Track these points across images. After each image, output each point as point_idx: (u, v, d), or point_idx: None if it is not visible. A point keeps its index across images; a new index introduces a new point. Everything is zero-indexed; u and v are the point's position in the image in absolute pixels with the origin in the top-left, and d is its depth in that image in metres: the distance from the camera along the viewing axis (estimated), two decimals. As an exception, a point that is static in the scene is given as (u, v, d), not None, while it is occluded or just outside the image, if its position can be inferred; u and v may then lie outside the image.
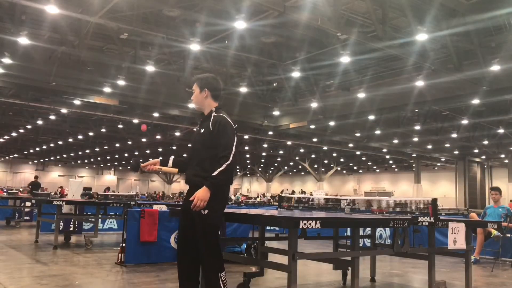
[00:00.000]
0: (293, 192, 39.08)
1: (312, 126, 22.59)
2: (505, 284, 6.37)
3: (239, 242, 7.44)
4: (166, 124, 24.40)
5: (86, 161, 53.22)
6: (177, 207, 8.59)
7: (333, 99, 18.59)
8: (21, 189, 28.48)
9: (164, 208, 7.62)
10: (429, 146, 29.72)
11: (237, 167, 51.34)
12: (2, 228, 12.08)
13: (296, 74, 16.39)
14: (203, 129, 3.75)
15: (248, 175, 62.28)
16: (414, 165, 37.19)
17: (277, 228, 4.79)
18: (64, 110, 21.75)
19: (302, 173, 53.61)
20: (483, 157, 34.36)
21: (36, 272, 5.81)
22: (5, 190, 24.08)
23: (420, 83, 15.18)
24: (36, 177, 22.65)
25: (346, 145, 29.98)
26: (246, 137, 28.80)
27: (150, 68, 15.31)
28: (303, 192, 41.68)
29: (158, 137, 28.53)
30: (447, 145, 29.07)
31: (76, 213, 10.25)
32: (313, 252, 4.64)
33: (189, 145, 3.90)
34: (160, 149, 37.17)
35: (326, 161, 42.98)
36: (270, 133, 24.31)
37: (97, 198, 14.46)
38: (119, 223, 11.74)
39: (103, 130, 26.97)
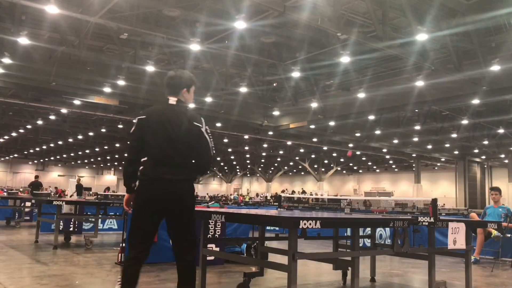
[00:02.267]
0: (293, 192, 39.10)
1: (312, 126, 22.59)
2: (505, 284, 6.37)
3: (239, 242, 7.44)
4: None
5: (86, 161, 53.25)
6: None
7: (333, 99, 18.59)
8: (21, 189, 28.49)
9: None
10: (429, 146, 29.73)
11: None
12: (2, 228, 12.08)
13: (296, 74, 16.39)
14: None
15: (248, 175, 62.30)
16: (414, 165, 37.19)
17: (277, 228, 4.79)
18: (64, 110, 21.75)
19: (302, 173, 53.63)
20: (483, 157, 34.37)
21: (36, 272, 5.81)
22: (5, 190, 24.07)
23: (420, 83, 15.18)
24: (36, 177, 22.65)
25: (346, 145, 29.98)
26: (246, 137, 28.82)
27: (150, 68, 15.31)
28: (303, 192, 41.70)
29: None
30: (447, 145, 29.08)
31: (76, 213, 10.25)
32: (313, 252, 4.64)
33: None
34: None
35: (326, 161, 42.99)
36: (270, 133, 24.31)
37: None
38: (119, 223, 11.74)
39: (103, 130, 26.97)
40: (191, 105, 18.75)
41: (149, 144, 3.47)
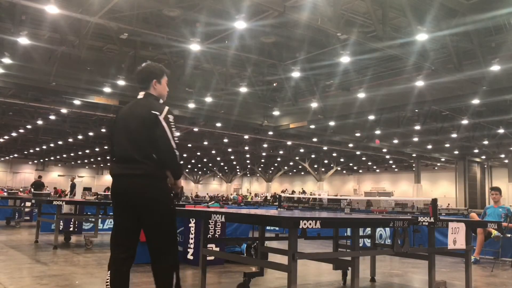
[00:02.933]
0: (293, 192, 39.11)
1: (312, 126, 22.59)
2: (505, 284, 6.37)
3: (239, 242, 7.44)
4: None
5: (86, 161, 53.27)
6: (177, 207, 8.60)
7: (333, 99, 18.60)
8: (21, 189, 28.47)
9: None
10: (429, 146, 29.74)
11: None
12: (2, 228, 12.08)
13: (296, 74, 16.39)
14: None
15: (248, 175, 62.32)
16: (414, 165, 37.20)
17: (277, 228, 4.79)
18: (64, 110, 21.76)
19: (302, 173, 53.64)
20: (483, 157, 34.38)
21: (36, 272, 5.81)
22: (5, 190, 24.07)
23: (420, 83, 15.19)
24: (39, 177, 22.62)
25: (346, 145, 29.98)
26: (246, 137, 28.82)
27: (150, 68, 15.29)
28: (303, 192, 41.71)
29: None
30: (447, 145, 29.08)
31: (76, 213, 10.25)
32: (313, 252, 4.64)
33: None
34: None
35: (326, 161, 43.00)
36: (270, 133, 24.32)
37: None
38: (119, 223, 11.72)
39: (103, 130, 26.98)
40: (191, 105, 18.85)
41: (113, 142, 3.46)
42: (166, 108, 3.34)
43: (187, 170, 58.48)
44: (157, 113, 3.27)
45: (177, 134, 3.34)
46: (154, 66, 3.58)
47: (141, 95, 3.49)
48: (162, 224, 3.30)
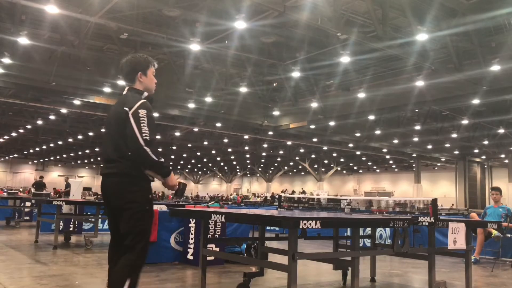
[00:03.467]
0: (293, 192, 39.12)
1: (312, 126, 22.59)
2: (505, 284, 6.37)
3: (239, 242, 7.44)
4: (166, 124, 24.42)
5: (86, 161, 53.27)
6: (177, 207, 8.60)
7: (333, 99, 18.60)
8: (21, 189, 28.44)
9: (164, 208, 7.63)
10: (429, 146, 29.74)
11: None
12: (2, 228, 12.08)
13: (296, 74, 16.40)
14: None
15: (248, 175, 62.32)
16: (414, 165, 37.20)
17: (277, 228, 4.79)
18: (64, 110, 21.75)
19: (302, 173, 53.64)
20: (483, 157, 34.37)
21: (36, 272, 5.80)
22: (5, 190, 24.06)
23: (420, 83, 15.18)
24: (41, 177, 22.60)
25: (346, 145, 29.99)
26: (246, 137, 28.82)
27: (150, 68, 15.30)
28: (303, 192, 41.72)
29: (158, 137, 28.54)
30: (447, 145, 29.08)
31: (76, 213, 10.24)
32: (313, 252, 4.64)
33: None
34: (160, 149, 37.18)
35: (326, 161, 43.00)
36: (270, 133, 24.32)
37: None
38: (119, 223, 11.72)
39: (103, 130, 26.94)
40: (191, 105, 18.85)
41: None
42: (140, 102, 3.15)
43: (187, 170, 58.51)
44: (127, 109, 3.10)
45: (147, 129, 3.06)
46: (138, 57, 3.38)
47: (125, 90, 3.34)
48: (133, 225, 3.10)
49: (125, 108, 3.11)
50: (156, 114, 21.15)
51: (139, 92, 3.28)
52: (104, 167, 3.22)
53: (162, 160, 3.17)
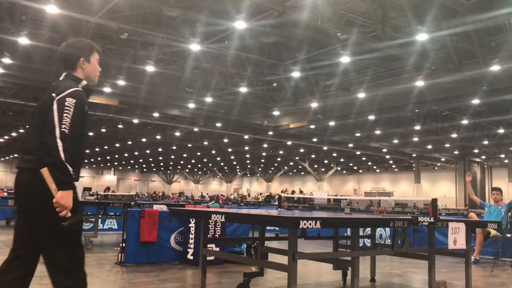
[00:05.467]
0: (293, 192, 39.13)
1: (312, 126, 22.58)
2: (505, 284, 6.37)
3: (239, 242, 7.45)
4: (166, 124, 24.42)
5: (86, 161, 53.21)
6: (177, 207, 8.60)
7: (333, 99, 18.59)
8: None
9: (164, 208, 7.63)
10: (429, 146, 29.73)
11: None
12: (2, 228, 12.08)
13: (296, 74, 16.39)
14: None
15: (248, 175, 62.30)
16: (414, 165, 37.19)
17: (277, 228, 4.79)
18: (64, 110, 21.69)
19: (302, 173, 53.63)
20: (483, 157, 34.36)
21: (36, 272, 5.78)
22: (5, 190, 24.06)
23: (420, 83, 15.18)
24: None
25: (346, 145, 29.99)
26: (246, 137, 28.81)
27: (150, 68, 15.31)
28: (301, 192, 41.72)
29: (158, 137, 28.55)
30: (447, 145, 29.07)
31: (76, 213, 10.23)
32: (313, 252, 4.64)
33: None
34: (160, 149, 37.20)
35: (326, 161, 43.00)
36: (270, 133, 24.31)
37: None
38: (119, 223, 11.74)
39: (103, 130, 26.98)
40: (191, 105, 18.85)
41: None
42: (72, 89, 2.70)
43: (187, 170, 58.47)
44: (54, 95, 2.66)
45: (69, 121, 2.59)
46: (82, 41, 2.99)
47: (61, 76, 2.91)
48: (52, 234, 2.65)
49: (52, 95, 2.67)
50: (156, 114, 21.18)
51: (76, 80, 2.87)
52: (20, 160, 2.78)
53: (70, 168, 2.57)
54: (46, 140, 2.53)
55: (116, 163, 55.07)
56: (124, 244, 6.73)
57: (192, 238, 6.93)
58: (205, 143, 31.21)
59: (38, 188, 2.59)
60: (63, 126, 2.55)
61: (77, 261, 2.78)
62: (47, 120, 2.58)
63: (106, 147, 36.44)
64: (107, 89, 16.67)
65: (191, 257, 6.88)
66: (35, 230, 2.71)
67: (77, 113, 2.64)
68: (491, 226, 6.04)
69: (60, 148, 2.52)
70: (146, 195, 39.38)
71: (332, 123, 22.07)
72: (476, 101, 16.82)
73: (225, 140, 31.09)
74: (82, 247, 2.86)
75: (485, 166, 36.53)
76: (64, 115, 2.58)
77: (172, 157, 43.79)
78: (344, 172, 52.09)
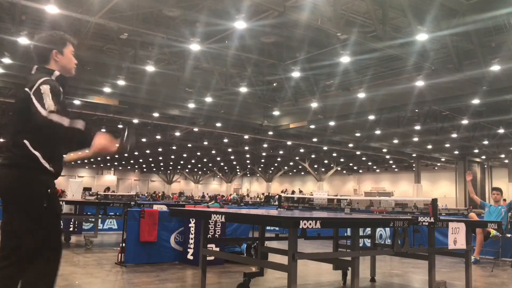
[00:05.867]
0: (293, 192, 39.15)
1: (312, 126, 22.59)
2: (505, 284, 6.37)
3: (239, 242, 7.45)
4: (166, 124, 24.42)
5: (86, 161, 53.21)
6: (177, 207, 8.60)
7: (333, 99, 18.59)
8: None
9: (164, 208, 7.63)
10: (429, 146, 29.73)
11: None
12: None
13: (296, 74, 16.39)
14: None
15: (248, 175, 62.30)
16: (414, 165, 37.19)
17: (277, 228, 4.79)
18: (64, 110, 21.70)
19: (302, 173, 53.63)
20: (483, 157, 34.36)
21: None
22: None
23: (420, 83, 15.18)
24: None
25: (346, 145, 29.99)
26: (246, 137, 28.82)
27: (150, 68, 15.31)
28: (300, 192, 41.72)
29: (158, 137, 28.55)
30: (447, 145, 29.08)
31: (76, 213, 10.25)
32: (313, 252, 4.64)
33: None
34: (160, 149, 37.20)
35: (326, 161, 43.00)
36: (270, 133, 24.32)
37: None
38: (119, 223, 11.74)
39: (103, 130, 26.99)
40: (191, 105, 18.87)
41: None
42: (43, 79, 2.64)
43: (187, 170, 58.51)
44: (27, 89, 2.62)
45: (51, 102, 2.53)
46: (54, 34, 2.91)
47: (33, 70, 2.85)
48: (27, 230, 2.61)
49: (25, 89, 2.63)
50: (156, 114, 21.17)
51: (48, 72, 2.80)
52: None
53: (80, 124, 2.55)
54: (41, 124, 2.49)
55: (116, 163, 55.07)
56: (124, 244, 6.73)
57: (192, 238, 6.93)
58: (205, 143, 31.21)
59: (13, 183, 2.58)
60: (46, 106, 2.50)
61: (52, 259, 2.70)
62: (31, 112, 2.53)
63: (106, 147, 36.38)
64: (107, 89, 16.67)
65: (191, 257, 6.88)
66: (13, 224, 2.66)
67: (55, 94, 2.58)
68: (491, 226, 6.04)
69: (56, 119, 2.47)
70: (146, 195, 39.39)
71: (332, 123, 22.07)
72: (476, 101, 16.82)
73: (225, 140, 31.09)
74: (57, 262, 2.74)
75: (485, 166, 36.53)
76: (44, 99, 2.52)
77: (172, 157, 43.79)
78: (344, 172, 52.08)
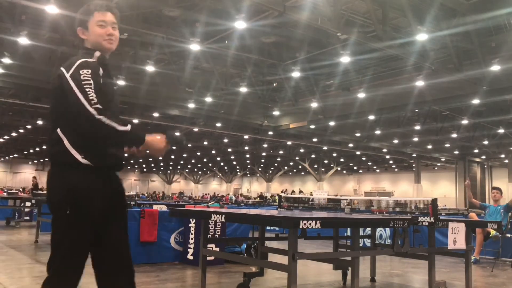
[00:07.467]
0: (292, 192, 39.14)
1: (312, 126, 22.60)
2: (505, 284, 6.37)
3: (239, 242, 7.44)
4: (166, 124, 24.41)
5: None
6: (177, 207, 8.60)
7: (333, 99, 18.59)
8: (21, 189, 28.39)
9: (164, 208, 7.63)
10: (429, 146, 29.73)
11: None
12: (2, 228, 12.08)
13: (296, 74, 16.39)
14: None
15: (248, 175, 62.31)
16: (414, 165, 37.19)
17: (277, 228, 4.79)
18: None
19: (302, 173, 53.63)
20: (483, 157, 34.37)
21: (36, 272, 5.80)
22: (5, 190, 24.05)
23: (420, 83, 15.18)
24: (34, 177, 22.51)
25: (346, 145, 29.99)
26: (246, 137, 28.83)
27: (150, 68, 15.31)
28: (300, 192, 41.73)
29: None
30: (447, 145, 29.08)
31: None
32: (313, 252, 4.64)
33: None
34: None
35: (326, 161, 43.01)
36: (270, 133, 24.32)
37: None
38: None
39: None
40: (191, 105, 18.86)
41: None
42: (81, 60, 2.30)
43: (187, 170, 58.53)
44: (64, 70, 2.27)
45: (94, 95, 2.20)
46: (83, 7, 2.50)
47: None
48: (52, 234, 2.37)
49: (60, 70, 2.29)
50: (156, 114, 21.17)
51: (88, 52, 2.44)
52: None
53: (129, 126, 2.28)
54: (84, 124, 2.18)
55: (116, 163, 54.99)
56: (124, 244, 6.71)
57: (192, 238, 6.93)
58: (205, 143, 31.20)
59: (48, 184, 2.33)
60: (92, 101, 2.17)
61: (63, 265, 2.49)
62: (70, 101, 2.19)
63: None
64: (107, 89, 16.65)
65: (191, 257, 6.88)
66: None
67: (97, 85, 2.27)
68: (491, 226, 6.04)
69: (108, 122, 2.17)
70: (146, 195, 39.38)
71: (332, 123, 22.07)
72: (476, 101, 16.83)
73: (225, 140, 31.09)
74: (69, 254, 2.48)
75: (485, 166, 36.53)
76: (87, 87, 2.20)
77: (172, 157, 43.78)
78: (344, 172, 52.09)
